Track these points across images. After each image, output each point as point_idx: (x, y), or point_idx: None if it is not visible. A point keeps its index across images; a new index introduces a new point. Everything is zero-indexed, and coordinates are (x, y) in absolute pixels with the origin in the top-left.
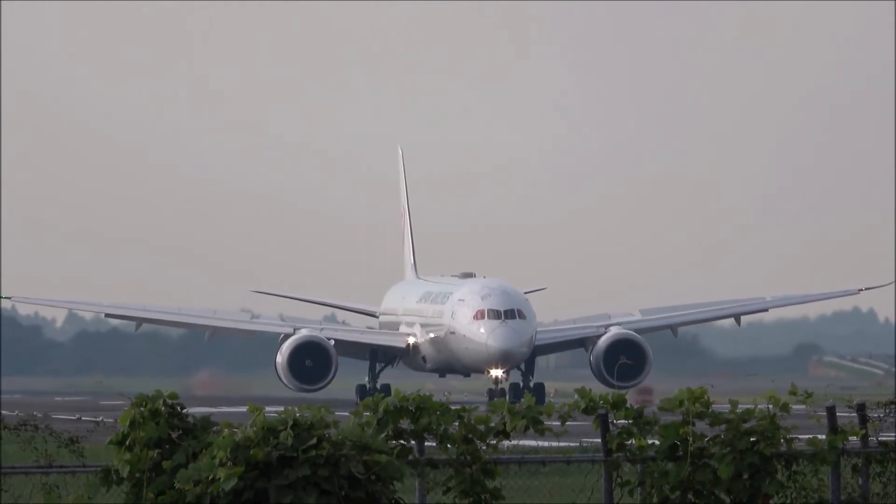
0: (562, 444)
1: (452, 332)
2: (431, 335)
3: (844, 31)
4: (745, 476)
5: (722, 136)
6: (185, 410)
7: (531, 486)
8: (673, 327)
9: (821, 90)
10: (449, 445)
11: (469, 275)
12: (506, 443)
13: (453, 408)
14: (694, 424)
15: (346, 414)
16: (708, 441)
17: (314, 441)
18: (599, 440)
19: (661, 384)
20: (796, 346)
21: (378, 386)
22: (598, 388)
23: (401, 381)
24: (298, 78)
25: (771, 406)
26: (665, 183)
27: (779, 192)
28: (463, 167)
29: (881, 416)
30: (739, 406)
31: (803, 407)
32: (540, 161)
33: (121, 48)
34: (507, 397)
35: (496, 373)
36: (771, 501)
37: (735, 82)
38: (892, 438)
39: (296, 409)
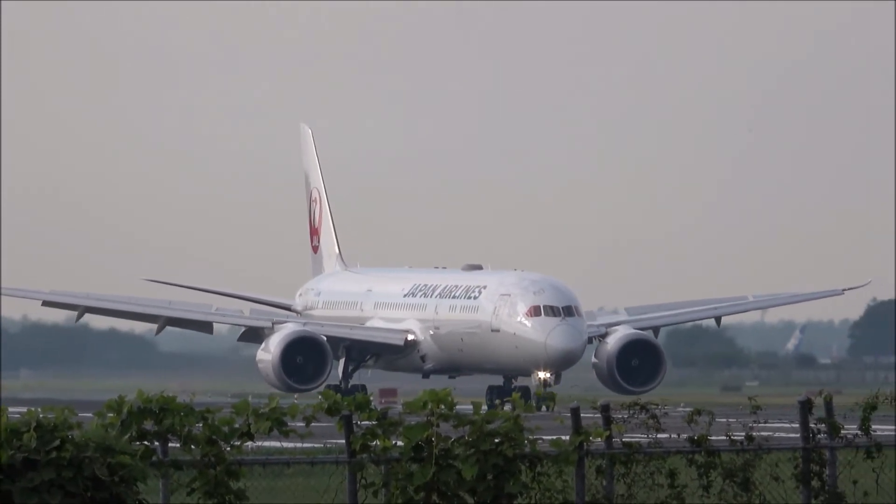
0: (306, 445)
1: (496, 331)
2: (434, 332)
3: (829, 31)
4: (490, 477)
5: (703, 131)
6: None
7: (275, 488)
8: (656, 328)
9: (808, 86)
10: (193, 447)
11: (476, 267)
12: (250, 444)
13: (197, 409)
14: (438, 426)
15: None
16: (452, 442)
17: (57, 443)
18: (344, 441)
19: (469, 383)
20: None
21: (350, 386)
22: (607, 394)
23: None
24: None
25: (515, 407)
26: (643, 177)
27: (759, 193)
28: (375, 153)
29: (625, 417)
30: (483, 407)
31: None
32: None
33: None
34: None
35: (543, 375)
36: (515, 502)
37: (720, 76)
38: (636, 440)
39: (38, 410)
